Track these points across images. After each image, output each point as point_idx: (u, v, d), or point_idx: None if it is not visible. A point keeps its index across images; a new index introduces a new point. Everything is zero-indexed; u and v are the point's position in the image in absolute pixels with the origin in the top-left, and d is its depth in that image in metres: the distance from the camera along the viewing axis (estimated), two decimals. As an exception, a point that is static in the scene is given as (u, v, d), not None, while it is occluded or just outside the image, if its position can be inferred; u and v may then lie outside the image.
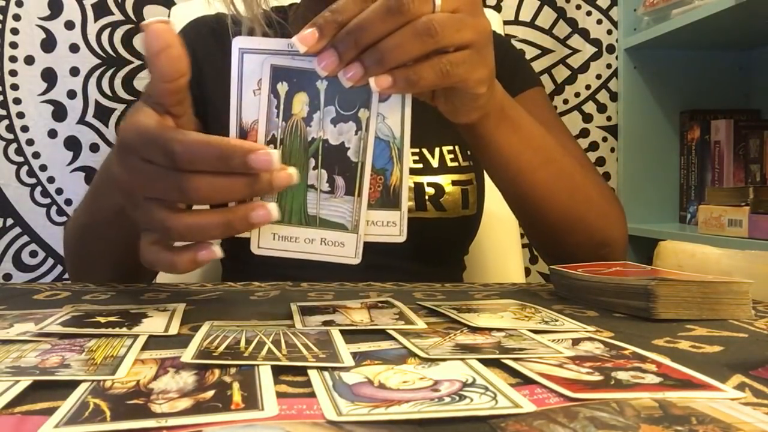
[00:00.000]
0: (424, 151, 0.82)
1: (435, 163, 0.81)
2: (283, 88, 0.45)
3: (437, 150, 0.82)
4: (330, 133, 0.46)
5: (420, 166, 0.81)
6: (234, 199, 0.44)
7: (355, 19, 0.44)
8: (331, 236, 0.47)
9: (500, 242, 0.75)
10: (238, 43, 0.45)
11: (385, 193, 0.47)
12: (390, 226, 0.47)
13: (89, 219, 0.69)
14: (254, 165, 0.41)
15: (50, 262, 1.42)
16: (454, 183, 0.81)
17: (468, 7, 0.47)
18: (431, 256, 0.82)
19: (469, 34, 0.47)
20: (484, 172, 0.78)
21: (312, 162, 0.46)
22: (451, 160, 0.82)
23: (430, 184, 0.80)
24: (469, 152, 0.83)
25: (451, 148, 0.82)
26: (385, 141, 0.47)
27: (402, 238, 0.48)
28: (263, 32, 0.83)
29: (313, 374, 0.33)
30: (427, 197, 0.79)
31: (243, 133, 0.46)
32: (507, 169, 0.64)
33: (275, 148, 0.46)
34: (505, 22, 1.42)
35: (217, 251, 0.44)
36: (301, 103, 0.46)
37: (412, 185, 0.79)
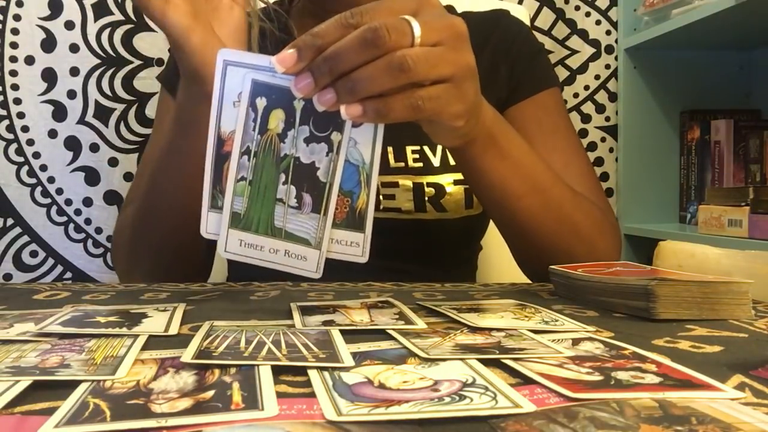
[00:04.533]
0: (425, 148, 0.79)
1: (436, 161, 0.79)
2: (261, 102, 0.47)
3: (439, 147, 0.79)
4: (302, 152, 0.48)
5: (420, 165, 0.79)
6: None
7: (332, 47, 0.44)
8: (294, 249, 0.48)
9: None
10: (222, 55, 0.47)
11: (351, 215, 0.48)
12: (353, 246, 0.49)
13: (157, 158, 0.73)
14: None
15: (50, 262, 1.42)
16: (456, 182, 0.78)
17: (451, 41, 0.47)
18: (434, 258, 0.81)
19: (446, 69, 0.47)
20: None
21: (282, 177, 0.48)
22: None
23: (430, 184, 0.78)
24: None
25: None
26: (354, 165, 0.48)
27: (364, 259, 0.49)
28: (261, 27, 0.82)
29: (313, 374, 0.33)
30: (426, 198, 0.78)
31: (220, 142, 0.47)
32: (491, 193, 0.64)
33: (249, 160, 0.48)
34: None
35: None
36: (277, 119, 0.47)
37: (411, 185, 0.78)
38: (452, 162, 0.78)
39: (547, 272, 0.61)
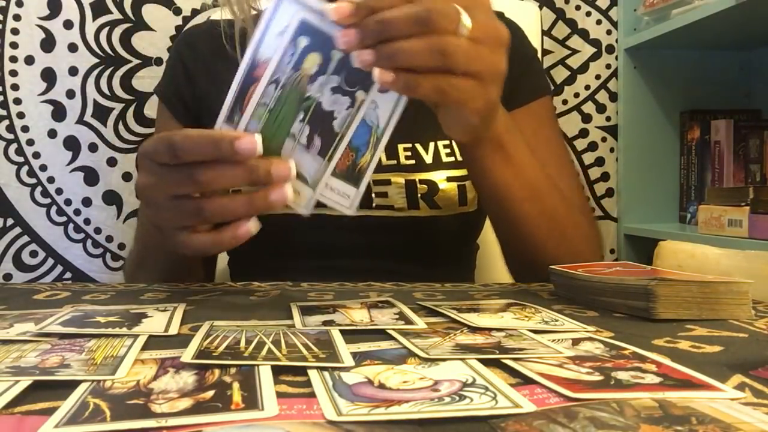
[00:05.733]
0: (418, 146, 0.79)
1: (429, 159, 0.78)
2: (303, 41, 0.49)
3: (432, 145, 0.79)
4: (326, 99, 0.50)
5: (412, 162, 0.78)
6: (237, 185, 0.49)
7: (387, 13, 0.47)
8: (292, 183, 0.51)
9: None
10: None
11: (351, 169, 0.51)
12: (343, 197, 0.51)
13: (140, 258, 0.77)
14: (239, 148, 0.47)
15: (50, 262, 1.42)
16: (449, 179, 0.78)
17: (492, 43, 0.50)
18: (430, 258, 0.81)
19: (479, 66, 0.49)
20: None
21: (300, 115, 0.50)
22: (447, 155, 0.79)
23: (422, 181, 0.78)
24: None
25: (447, 142, 0.79)
26: (369, 126, 0.50)
27: (350, 212, 0.51)
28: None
29: (313, 374, 0.33)
30: (419, 195, 0.77)
31: (254, 64, 0.50)
32: (493, 195, 0.67)
33: (275, 89, 0.50)
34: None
35: (253, 227, 0.50)
36: (312, 62, 0.49)
37: (403, 182, 0.77)
38: (444, 159, 0.79)
39: (532, 274, 0.63)
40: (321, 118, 0.50)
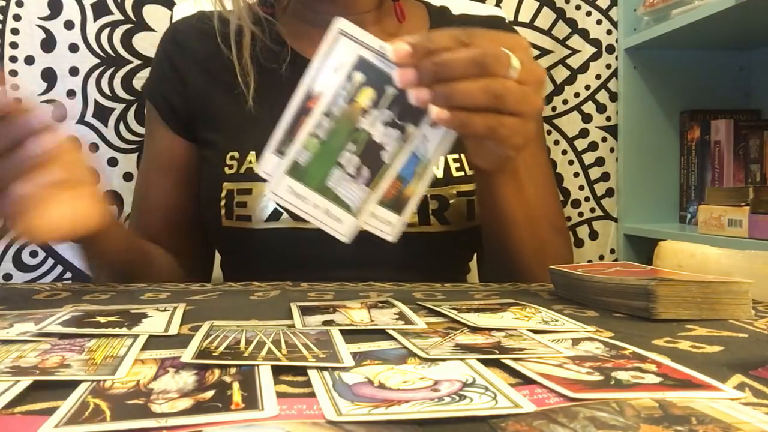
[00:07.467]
0: None
1: (440, 173, 0.79)
2: (358, 77, 0.51)
3: (442, 159, 0.79)
4: (377, 131, 0.51)
5: None
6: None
7: (444, 55, 0.49)
8: (334, 210, 0.52)
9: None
10: (339, 23, 0.51)
11: (396, 197, 0.52)
12: (386, 225, 0.52)
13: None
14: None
15: (50, 262, 1.42)
16: (459, 194, 0.78)
17: (534, 85, 0.54)
18: (436, 270, 0.81)
19: (525, 107, 0.53)
20: None
21: (352, 147, 0.51)
22: (457, 169, 0.79)
23: (433, 197, 0.78)
24: None
25: (456, 156, 0.79)
26: (417, 158, 0.52)
27: (391, 238, 0.52)
28: (251, 30, 0.81)
29: (313, 374, 0.33)
30: (430, 211, 0.78)
31: (307, 97, 0.51)
32: (497, 218, 0.70)
33: (328, 122, 0.51)
34: (505, 22, 1.41)
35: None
36: (366, 96, 0.51)
37: None
38: (455, 174, 0.79)
39: (504, 280, 0.67)
40: (371, 151, 0.51)
